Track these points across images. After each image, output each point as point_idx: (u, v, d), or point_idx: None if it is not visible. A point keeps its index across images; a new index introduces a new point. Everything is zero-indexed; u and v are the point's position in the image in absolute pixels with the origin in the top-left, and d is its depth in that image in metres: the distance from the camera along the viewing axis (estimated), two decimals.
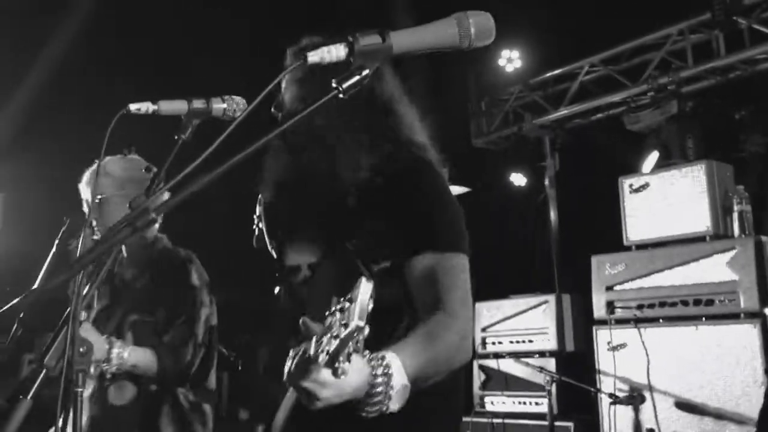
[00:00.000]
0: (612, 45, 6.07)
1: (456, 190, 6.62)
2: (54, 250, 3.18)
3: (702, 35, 5.62)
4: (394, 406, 1.50)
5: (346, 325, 1.27)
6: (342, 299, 1.30)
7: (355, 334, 1.26)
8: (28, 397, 1.60)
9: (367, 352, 1.50)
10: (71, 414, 1.57)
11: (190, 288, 2.91)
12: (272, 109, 1.99)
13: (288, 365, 1.45)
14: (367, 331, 1.28)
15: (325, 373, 1.35)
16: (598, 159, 6.11)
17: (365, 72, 1.46)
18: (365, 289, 1.29)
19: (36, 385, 1.56)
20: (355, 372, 1.44)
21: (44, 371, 1.57)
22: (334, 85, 1.43)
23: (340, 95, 1.44)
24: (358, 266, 1.79)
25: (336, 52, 1.48)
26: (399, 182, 1.81)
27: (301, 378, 1.40)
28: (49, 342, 1.62)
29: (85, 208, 3.07)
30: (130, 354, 2.70)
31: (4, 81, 5.88)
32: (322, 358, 1.28)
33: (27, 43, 5.81)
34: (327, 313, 1.30)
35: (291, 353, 1.47)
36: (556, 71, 6.49)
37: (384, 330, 1.76)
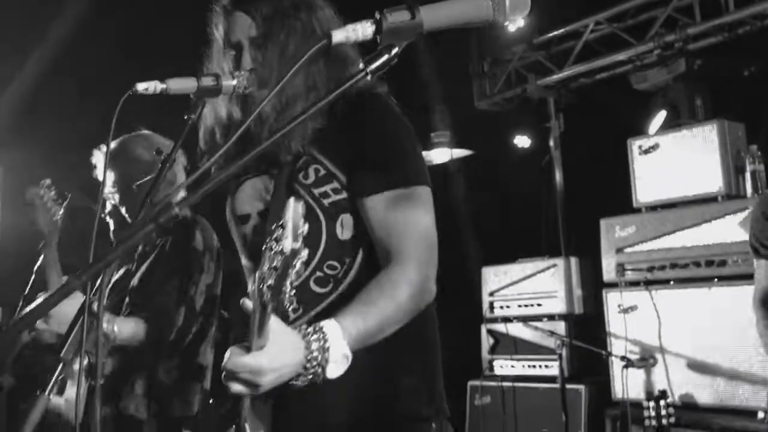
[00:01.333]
0: (617, 2, 5.93)
1: (460, 153, 6.58)
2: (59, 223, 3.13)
3: None
4: (332, 374, 1.51)
5: (281, 252, 1.22)
6: (274, 226, 1.25)
7: (292, 260, 1.22)
8: (46, 393, 1.56)
9: (304, 326, 1.52)
10: (91, 407, 1.54)
11: (190, 250, 2.82)
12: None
13: (224, 362, 1.46)
14: (305, 253, 1.24)
15: (252, 360, 1.39)
16: (604, 119, 6.02)
17: (394, 51, 1.40)
18: (295, 208, 1.23)
19: (54, 381, 1.53)
20: (289, 352, 1.45)
21: (62, 365, 1.54)
22: (361, 66, 1.37)
23: (368, 77, 1.38)
24: (309, 202, 1.76)
25: (362, 30, 1.41)
26: (347, 120, 1.78)
27: (234, 370, 1.42)
28: (65, 335, 1.58)
29: (109, 190, 2.98)
30: (119, 328, 2.61)
31: (6, 60, 5.77)
32: (266, 294, 1.26)
33: (30, 22, 5.69)
34: (264, 247, 1.27)
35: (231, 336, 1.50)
36: (560, 30, 6.35)
37: (344, 264, 1.77)
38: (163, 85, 1.74)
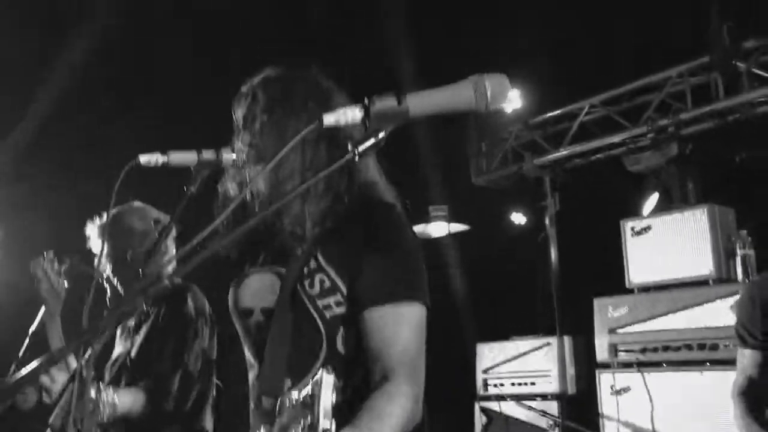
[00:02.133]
0: (612, 86, 6.11)
1: (456, 227, 6.64)
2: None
3: (701, 78, 5.66)
4: None
5: (312, 427, 1.21)
6: (304, 390, 1.25)
7: None
8: None
9: None
10: None
11: (182, 317, 2.82)
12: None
13: None
14: (333, 430, 1.24)
15: None
16: (598, 199, 6.11)
17: (381, 135, 1.46)
18: (327, 384, 1.24)
19: None
20: None
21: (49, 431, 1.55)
22: (350, 148, 1.43)
23: (356, 158, 1.44)
24: (312, 314, 1.78)
25: (351, 114, 1.48)
26: (351, 228, 1.80)
27: None
28: (56, 401, 1.60)
29: (102, 261, 3.02)
30: (119, 399, 2.61)
31: (6, 109, 5.89)
32: None
33: (30, 72, 5.83)
34: (287, 402, 1.28)
35: None
36: (556, 111, 6.53)
37: (343, 378, 1.75)
38: (165, 158, 1.80)
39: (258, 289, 1.91)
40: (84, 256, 3.10)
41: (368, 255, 1.76)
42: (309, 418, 1.21)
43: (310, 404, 1.23)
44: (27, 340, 3.00)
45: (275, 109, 1.90)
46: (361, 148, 1.43)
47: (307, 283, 1.79)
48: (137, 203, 3.07)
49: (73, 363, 2.62)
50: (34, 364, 2.34)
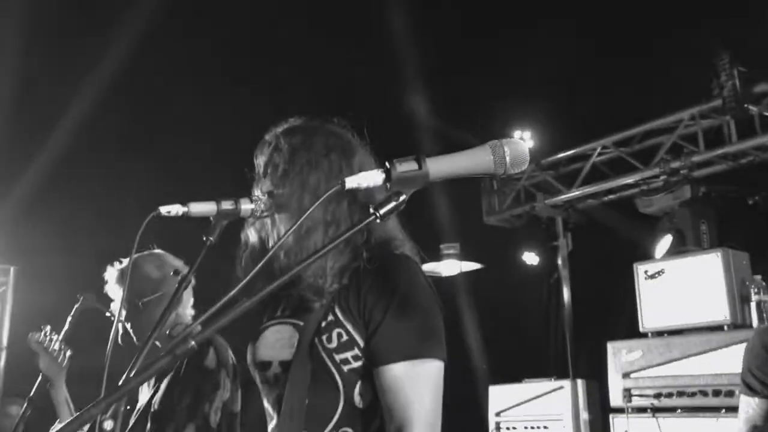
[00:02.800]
0: (624, 127, 6.14)
1: (468, 266, 6.64)
2: (67, 327, 3.17)
3: (713, 120, 5.68)
4: None
5: None
6: None
7: None
8: None
9: None
10: None
11: (202, 369, 2.81)
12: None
13: None
14: None
15: None
16: (611, 240, 6.11)
17: (402, 198, 1.48)
18: None
19: None
20: None
21: None
22: (371, 210, 1.45)
23: (377, 221, 1.46)
24: (329, 367, 1.78)
25: (373, 178, 1.50)
26: (369, 283, 1.81)
27: None
28: None
29: (116, 307, 3.03)
30: None
31: (18, 153, 5.96)
32: None
33: (43, 113, 5.92)
34: None
35: None
36: (569, 152, 6.55)
37: (361, 429, 1.77)
38: (185, 209, 1.82)
39: (276, 341, 1.92)
40: (99, 297, 3.11)
41: (384, 311, 1.77)
42: None
43: None
44: (25, 405, 3.01)
45: (297, 158, 1.92)
46: (383, 211, 1.45)
47: (324, 337, 1.81)
48: (157, 250, 3.08)
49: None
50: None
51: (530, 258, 6.93)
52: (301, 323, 1.88)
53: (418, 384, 1.72)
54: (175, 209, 1.83)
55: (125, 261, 3.03)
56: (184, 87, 5.54)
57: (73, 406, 2.83)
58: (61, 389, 2.84)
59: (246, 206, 1.87)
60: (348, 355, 1.79)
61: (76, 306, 3.10)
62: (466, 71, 6.47)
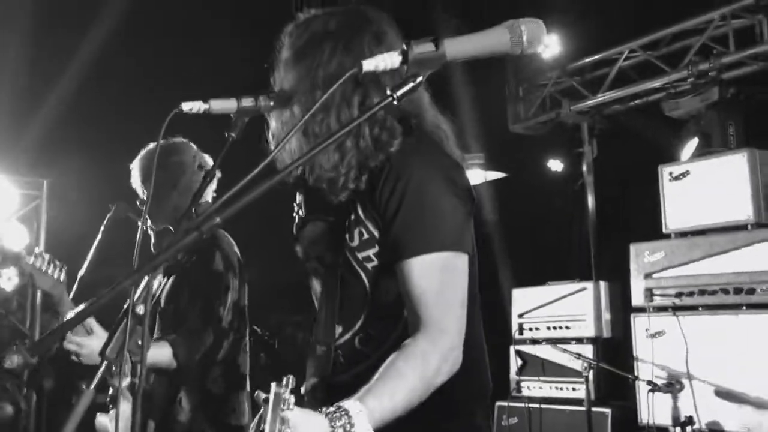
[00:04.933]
0: (652, 30, 6.00)
1: (493, 175, 6.66)
2: (100, 236, 3.28)
3: (744, 20, 5.53)
4: None
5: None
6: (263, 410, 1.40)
7: None
8: (91, 387, 1.69)
9: (328, 408, 1.51)
10: (133, 403, 1.63)
11: (211, 273, 2.92)
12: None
13: None
14: None
15: None
16: (636, 145, 6.08)
17: (419, 79, 1.51)
18: (275, 399, 1.38)
19: (98, 376, 1.65)
20: (315, 428, 1.46)
21: (105, 362, 1.66)
22: (389, 92, 1.49)
23: (394, 102, 1.49)
24: (354, 266, 1.83)
25: (390, 60, 1.53)
26: (388, 180, 1.77)
27: None
28: (109, 335, 1.70)
29: (141, 200, 3.13)
30: (148, 354, 2.76)
31: (47, 70, 6.01)
32: None
33: (70, 33, 5.93)
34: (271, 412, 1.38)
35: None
36: (595, 57, 6.44)
37: (383, 330, 1.81)
38: (206, 106, 1.86)
39: (313, 238, 1.97)
40: (130, 206, 3.20)
41: (399, 201, 1.74)
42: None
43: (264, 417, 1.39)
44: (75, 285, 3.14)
45: (307, 50, 1.89)
46: (400, 92, 1.48)
47: (347, 236, 1.83)
48: (179, 139, 3.14)
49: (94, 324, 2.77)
50: (72, 315, 2.46)
51: (555, 165, 6.93)
52: (332, 219, 1.91)
53: (445, 277, 1.70)
54: (197, 106, 1.88)
55: (148, 148, 3.11)
56: None
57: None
58: (67, 303, 2.90)
59: (265, 103, 1.91)
60: (370, 252, 1.81)
61: (108, 215, 3.19)
62: None
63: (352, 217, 1.84)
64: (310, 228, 1.99)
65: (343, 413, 1.50)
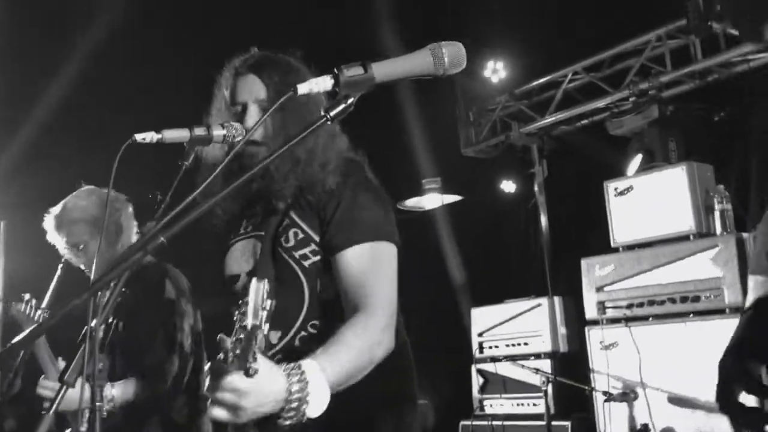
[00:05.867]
0: (593, 53, 6.24)
1: (450, 198, 6.80)
2: (58, 273, 3.30)
3: (679, 40, 5.79)
4: (314, 411, 1.57)
5: (244, 327, 1.38)
6: (240, 302, 1.41)
7: (254, 334, 1.37)
8: (50, 412, 1.73)
9: (284, 364, 1.59)
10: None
11: (165, 302, 2.97)
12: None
13: (206, 381, 1.53)
14: (266, 327, 1.40)
15: (239, 379, 1.43)
16: (584, 164, 6.27)
17: (350, 100, 1.62)
18: (256, 288, 1.40)
19: (57, 401, 1.69)
20: (272, 380, 1.51)
21: (64, 387, 1.70)
22: (323, 113, 1.59)
23: (328, 122, 1.60)
24: (291, 265, 1.94)
25: (323, 83, 1.63)
26: (320, 184, 1.96)
27: (218, 389, 1.47)
28: (68, 360, 1.75)
29: (65, 253, 3.16)
30: (117, 392, 2.79)
31: (7, 113, 6.01)
32: (231, 360, 1.39)
33: (31, 73, 5.95)
34: (234, 318, 1.42)
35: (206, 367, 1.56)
36: (541, 80, 6.66)
37: (328, 323, 1.90)
38: (159, 135, 1.93)
39: (241, 255, 2.08)
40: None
41: (337, 203, 1.94)
42: (242, 319, 1.39)
43: (243, 311, 1.40)
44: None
45: (280, 94, 2.04)
46: (333, 112, 1.59)
47: (282, 239, 1.97)
48: (85, 187, 3.20)
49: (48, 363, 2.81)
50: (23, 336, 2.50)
51: (508, 186, 7.10)
52: (262, 233, 2.02)
53: (370, 264, 1.87)
54: (149, 136, 1.95)
55: (55, 208, 3.15)
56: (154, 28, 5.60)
57: (56, 361, 2.97)
58: (44, 346, 2.94)
59: (218, 132, 1.99)
60: (306, 250, 1.95)
61: (57, 275, 3.22)
62: (436, 3, 6.51)
63: (286, 222, 1.98)
64: (239, 246, 2.10)
65: (298, 370, 1.57)
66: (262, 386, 1.48)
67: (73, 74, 5.72)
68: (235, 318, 1.42)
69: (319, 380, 1.59)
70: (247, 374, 1.37)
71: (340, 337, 1.73)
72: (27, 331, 2.94)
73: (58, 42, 5.69)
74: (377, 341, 1.78)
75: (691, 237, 4.67)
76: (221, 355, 1.46)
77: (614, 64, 6.21)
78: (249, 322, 1.37)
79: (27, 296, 3.02)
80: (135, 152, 1.96)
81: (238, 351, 1.39)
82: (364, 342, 1.75)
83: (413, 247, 2.17)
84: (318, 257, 1.94)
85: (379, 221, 1.96)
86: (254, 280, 1.41)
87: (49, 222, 3.14)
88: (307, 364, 1.60)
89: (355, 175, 2.01)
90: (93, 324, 1.70)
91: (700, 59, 5.59)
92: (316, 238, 1.95)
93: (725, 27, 5.43)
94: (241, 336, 1.38)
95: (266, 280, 1.42)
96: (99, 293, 1.52)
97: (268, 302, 1.41)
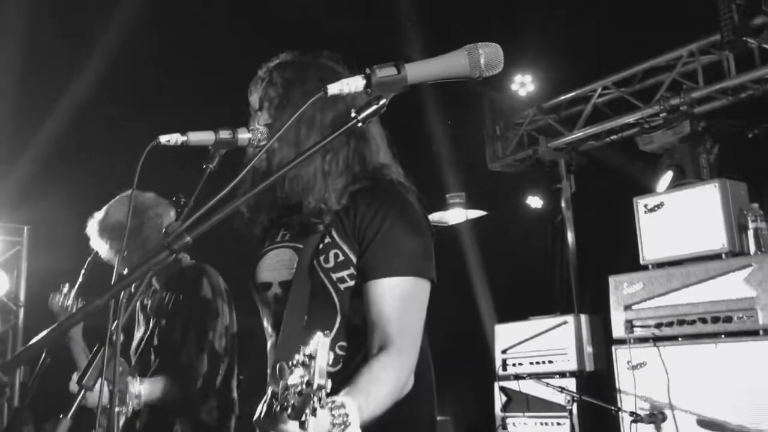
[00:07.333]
0: (624, 67, 6.16)
1: (474, 213, 6.73)
2: (81, 280, 3.30)
3: (712, 56, 5.69)
4: None
5: (309, 384, 1.33)
6: (303, 353, 1.36)
7: (318, 394, 1.33)
8: (68, 416, 1.68)
9: (328, 399, 1.53)
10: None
11: (200, 301, 2.97)
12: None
13: (258, 410, 1.52)
14: (329, 386, 1.35)
15: (292, 426, 1.40)
16: (613, 180, 6.18)
17: (382, 101, 1.56)
18: (323, 345, 1.35)
19: (76, 405, 1.65)
20: (319, 424, 1.47)
21: (83, 391, 1.66)
22: (353, 114, 1.54)
23: (359, 124, 1.54)
24: (327, 286, 1.89)
25: (354, 83, 1.57)
26: (364, 205, 1.91)
27: (271, 427, 1.47)
28: (87, 363, 1.71)
29: (107, 257, 3.16)
30: (144, 390, 2.79)
31: (30, 118, 6.05)
32: (289, 412, 1.35)
33: (53, 78, 5.99)
34: (291, 363, 1.37)
35: (264, 397, 1.53)
36: (570, 94, 6.58)
37: (354, 346, 1.88)
38: (184, 138, 1.90)
39: (276, 263, 2.03)
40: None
41: (377, 230, 1.87)
42: (306, 376, 1.33)
43: (308, 364, 1.34)
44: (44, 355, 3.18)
45: (292, 90, 2.02)
46: (364, 114, 1.53)
47: (322, 258, 1.91)
48: (125, 193, 3.19)
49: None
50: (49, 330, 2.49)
51: (534, 202, 7.00)
52: (301, 246, 1.98)
53: (401, 300, 1.82)
54: (174, 138, 1.92)
55: (98, 214, 3.15)
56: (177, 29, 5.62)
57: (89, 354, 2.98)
58: (79, 342, 2.98)
59: (243, 135, 1.96)
60: (344, 273, 1.89)
61: (88, 260, 3.23)
62: (465, 16, 6.47)
63: (327, 240, 1.92)
64: (274, 254, 2.05)
65: (341, 409, 1.54)
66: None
67: (94, 78, 5.75)
68: (294, 363, 1.37)
69: (356, 420, 1.56)
70: (302, 427, 1.35)
71: (375, 374, 1.71)
72: (45, 331, 2.92)
73: (80, 46, 5.73)
74: (404, 382, 1.77)
75: (724, 255, 4.56)
76: (277, 393, 1.41)
77: (645, 79, 6.13)
78: (316, 381, 1.33)
79: (65, 288, 3.03)
80: (158, 155, 1.93)
81: (297, 401, 1.35)
82: (397, 382, 1.74)
83: (436, 262, 2.11)
84: (354, 282, 1.89)
85: (418, 255, 1.88)
86: (320, 335, 1.37)
87: (92, 228, 3.15)
88: (348, 403, 1.56)
89: (401, 201, 1.94)
90: (113, 327, 1.66)
91: (733, 75, 5.49)
92: (355, 261, 1.90)
93: (760, 42, 5.33)
94: (302, 390, 1.35)
95: (331, 335, 1.38)
96: (121, 294, 1.48)
97: (331, 357, 1.38)
